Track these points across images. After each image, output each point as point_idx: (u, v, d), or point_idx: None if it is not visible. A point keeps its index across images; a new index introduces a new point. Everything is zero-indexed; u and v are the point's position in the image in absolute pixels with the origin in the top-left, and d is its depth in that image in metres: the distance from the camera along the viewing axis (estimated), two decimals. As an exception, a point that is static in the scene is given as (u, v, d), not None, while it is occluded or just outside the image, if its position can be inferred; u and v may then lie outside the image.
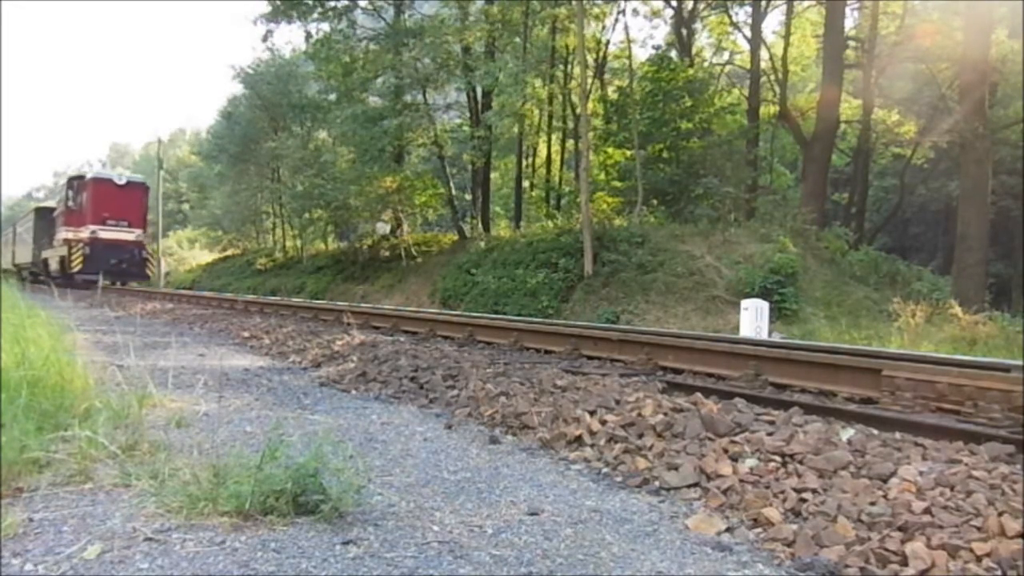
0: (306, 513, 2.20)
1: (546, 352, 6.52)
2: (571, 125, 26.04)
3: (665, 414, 3.31)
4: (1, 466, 2.35)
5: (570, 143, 27.38)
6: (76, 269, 24.20)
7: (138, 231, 26.04)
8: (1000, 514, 2.16)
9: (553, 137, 28.62)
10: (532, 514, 2.42)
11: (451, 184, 24.09)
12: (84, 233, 25.03)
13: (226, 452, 2.59)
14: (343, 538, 2.08)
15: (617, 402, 3.61)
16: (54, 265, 27.32)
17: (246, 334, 8.40)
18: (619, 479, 2.90)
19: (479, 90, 22.45)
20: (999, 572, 1.95)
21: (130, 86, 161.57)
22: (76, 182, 26.67)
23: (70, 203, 26.18)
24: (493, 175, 27.64)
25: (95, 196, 25.07)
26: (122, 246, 25.28)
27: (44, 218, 31.62)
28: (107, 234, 25.06)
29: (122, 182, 26.08)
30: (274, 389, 4.79)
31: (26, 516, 2.16)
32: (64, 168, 75.05)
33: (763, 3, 26.06)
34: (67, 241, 25.49)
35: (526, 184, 28.53)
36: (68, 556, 1.89)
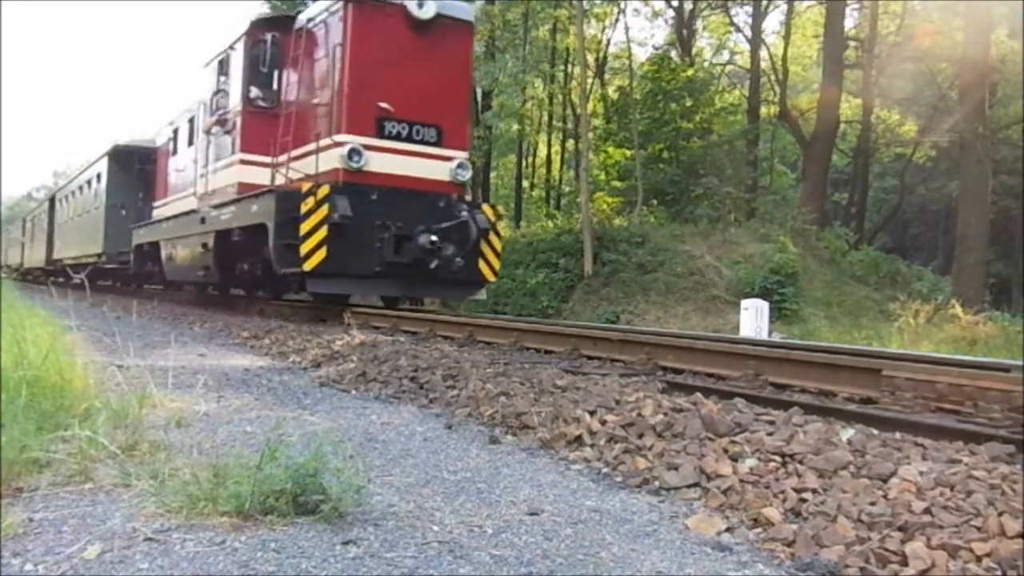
0: (306, 513, 2.20)
1: (546, 352, 6.52)
2: (571, 125, 26.05)
3: (665, 414, 3.31)
4: (1, 466, 2.35)
5: (570, 143, 27.41)
6: (315, 264, 8.63)
7: (459, 156, 9.76)
8: (1000, 514, 2.16)
9: (553, 137, 28.65)
10: (532, 514, 2.42)
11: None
12: (325, 161, 9.14)
13: (226, 452, 2.59)
14: (343, 538, 2.08)
15: (617, 402, 3.61)
16: (180, 256, 12.55)
17: (246, 334, 8.40)
18: (619, 479, 2.90)
19: (479, 90, 22.49)
20: (999, 572, 1.95)
21: (131, 85, 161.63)
22: (280, 24, 10.65)
23: (255, 95, 10.50)
24: (493, 175, 27.65)
25: (359, 49, 9.11)
26: (426, 196, 9.40)
27: (127, 168, 16.56)
28: (391, 163, 9.27)
29: (427, 14, 9.34)
30: (274, 389, 4.79)
31: (26, 516, 2.16)
32: (64, 168, 67.27)
33: (763, 3, 26.06)
34: (248, 192, 9.94)
35: (526, 184, 28.56)
36: (68, 556, 1.89)
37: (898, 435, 3.08)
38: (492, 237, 9.79)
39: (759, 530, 2.34)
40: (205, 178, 11.79)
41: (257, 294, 12.65)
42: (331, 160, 9.05)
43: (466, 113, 10.69)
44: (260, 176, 10.10)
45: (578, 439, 3.31)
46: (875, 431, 3.11)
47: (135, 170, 16.56)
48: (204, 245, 11.35)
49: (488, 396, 4.12)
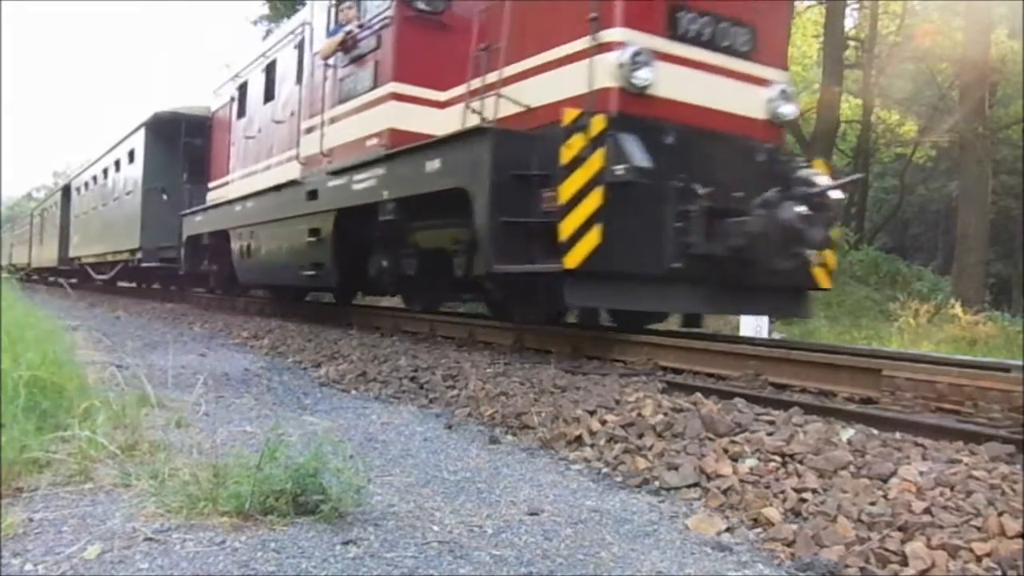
0: (306, 513, 2.20)
1: (546, 352, 6.52)
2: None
3: (665, 414, 3.31)
4: (1, 466, 2.35)
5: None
6: (584, 255, 4.61)
7: (780, 81, 5.73)
8: (1000, 514, 2.16)
9: (553, 137, 28.65)
10: (532, 514, 2.42)
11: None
12: (583, 77, 5.06)
13: (226, 452, 2.59)
14: (343, 538, 2.09)
15: (617, 402, 3.61)
16: (266, 249, 9.25)
17: (246, 334, 8.40)
18: (619, 479, 2.90)
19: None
20: (999, 572, 1.95)
21: (131, 86, 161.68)
22: None
23: None
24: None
25: None
26: (741, 143, 5.42)
27: (171, 142, 13.44)
28: (690, 84, 5.25)
29: None
30: (274, 389, 4.79)
31: (26, 516, 2.16)
32: (64, 168, 70.14)
33: (763, 3, 26.04)
34: (407, 143, 6.31)
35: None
36: (68, 556, 1.89)
37: (898, 435, 3.08)
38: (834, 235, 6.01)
39: (759, 530, 2.34)
40: (316, 132, 7.99)
41: (355, 301, 9.22)
42: (596, 75, 5.09)
43: (788, 11, 6.54)
44: (426, 120, 6.61)
45: (578, 439, 3.31)
46: (875, 431, 3.11)
47: (181, 144, 13.01)
48: (314, 232, 7.89)
49: (488, 396, 4.12)
